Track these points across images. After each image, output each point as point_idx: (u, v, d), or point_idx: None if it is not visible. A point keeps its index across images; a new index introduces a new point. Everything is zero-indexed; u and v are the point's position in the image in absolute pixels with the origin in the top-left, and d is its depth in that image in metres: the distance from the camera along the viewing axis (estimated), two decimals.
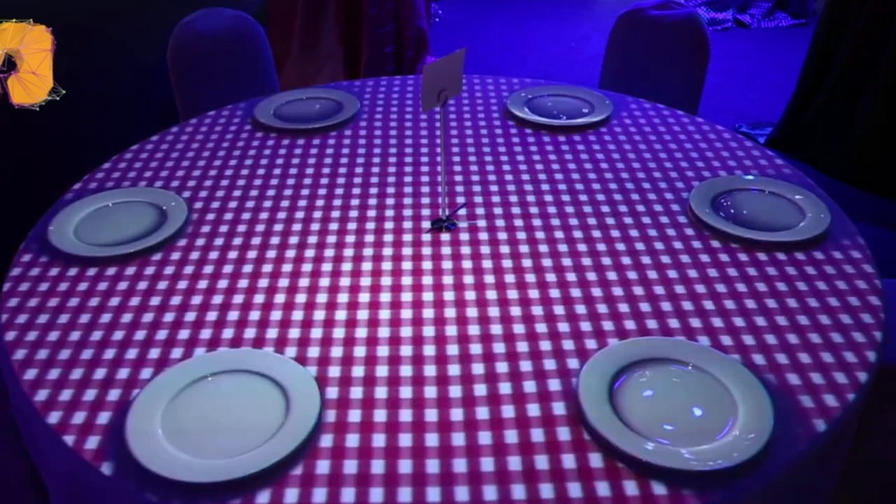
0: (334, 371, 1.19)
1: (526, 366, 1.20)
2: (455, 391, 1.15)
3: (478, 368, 1.20)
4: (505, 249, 1.46)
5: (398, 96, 2.08)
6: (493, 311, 1.31)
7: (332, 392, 1.15)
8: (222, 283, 1.38)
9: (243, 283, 1.38)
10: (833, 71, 3.44)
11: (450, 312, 1.31)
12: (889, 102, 3.23)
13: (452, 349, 1.23)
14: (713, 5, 5.31)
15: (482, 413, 1.12)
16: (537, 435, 1.08)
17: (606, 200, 1.61)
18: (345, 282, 1.38)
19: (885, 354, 1.23)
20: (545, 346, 1.24)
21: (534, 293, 1.35)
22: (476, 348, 1.23)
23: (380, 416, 1.11)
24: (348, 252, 1.46)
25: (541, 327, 1.27)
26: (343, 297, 1.35)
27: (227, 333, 1.27)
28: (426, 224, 1.54)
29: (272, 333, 1.27)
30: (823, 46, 3.48)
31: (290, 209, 1.59)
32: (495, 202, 1.61)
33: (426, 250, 1.47)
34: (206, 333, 1.27)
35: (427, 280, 1.39)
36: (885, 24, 3.21)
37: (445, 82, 1.42)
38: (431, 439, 1.08)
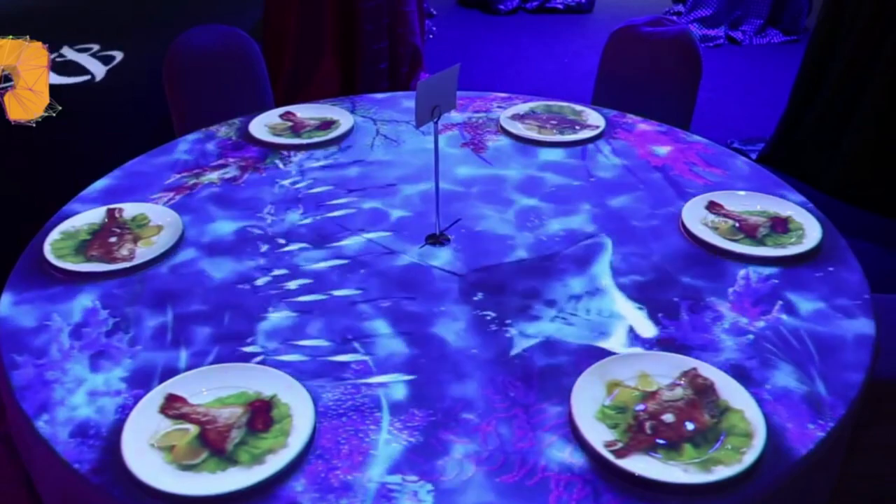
0: (332, 381, 1.19)
1: (526, 365, 1.21)
2: (454, 392, 1.16)
3: (477, 368, 1.21)
4: (500, 260, 1.47)
5: (392, 112, 2.09)
6: (493, 312, 1.32)
7: (328, 402, 1.16)
8: (218, 297, 1.39)
9: (240, 296, 1.39)
10: (824, 87, 3.47)
11: (450, 313, 1.32)
12: (880, 119, 3.25)
13: (452, 348, 1.24)
14: (705, 22, 5.34)
15: (481, 413, 1.13)
16: (534, 437, 1.09)
17: (600, 215, 1.62)
18: (342, 290, 1.39)
19: (876, 369, 1.24)
20: (545, 346, 1.25)
21: (534, 295, 1.36)
22: (475, 347, 1.24)
23: (378, 420, 1.12)
24: (344, 264, 1.47)
25: (542, 330, 1.28)
26: (339, 307, 1.35)
27: (223, 347, 1.27)
28: (420, 239, 1.55)
29: (269, 346, 1.27)
30: (815, 63, 3.51)
31: (285, 223, 1.60)
32: (489, 217, 1.62)
33: (422, 263, 1.47)
34: (202, 347, 1.27)
35: (424, 286, 1.39)
36: (875, 41, 3.23)
37: (439, 98, 1.44)
38: (431, 439, 1.09)
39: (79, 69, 4.33)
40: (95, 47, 4.48)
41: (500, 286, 1.42)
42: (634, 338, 1.29)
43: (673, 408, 1.14)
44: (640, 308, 1.35)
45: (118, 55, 4.31)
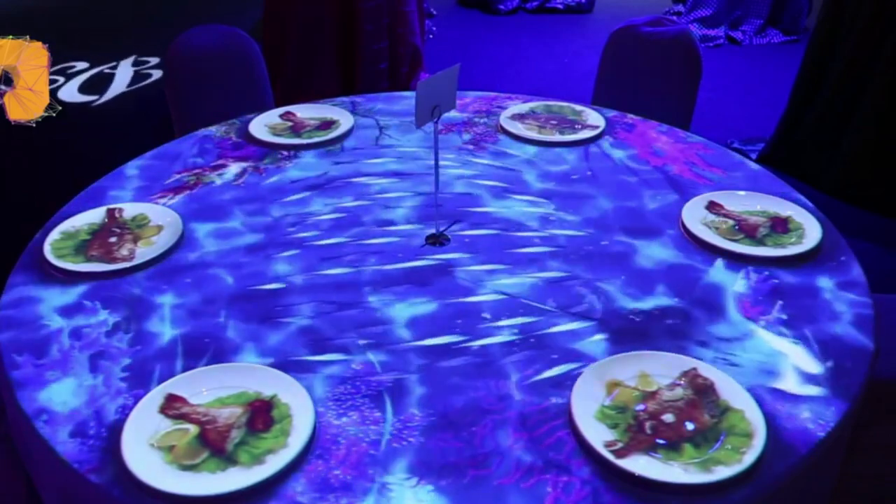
0: (331, 381, 1.20)
1: (525, 366, 1.21)
2: (455, 391, 1.17)
3: (478, 368, 1.21)
4: (500, 261, 1.47)
5: (392, 112, 2.09)
6: (489, 315, 1.32)
7: (328, 402, 1.16)
8: (219, 297, 1.39)
9: (241, 296, 1.39)
10: (825, 87, 3.47)
11: (448, 316, 1.32)
12: (880, 119, 3.25)
13: (451, 348, 1.24)
14: (705, 22, 5.35)
15: (480, 414, 1.13)
16: (531, 442, 1.09)
17: (600, 215, 1.62)
18: (341, 294, 1.39)
19: (876, 370, 1.24)
20: (542, 348, 1.25)
21: (532, 300, 1.36)
22: (475, 349, 1.25)
23: (378, 420, 1.12)
24: (343, 265, 1.47)
25: (538, 333, 1.28)
26: (339, 307, 1.35)
27: (224, 347, 1.27)
28: (421, 239, 1.55)
29: (269, 346, 1.27)
30: (815, 63, 3.51)
31: (286, 223, 1.60)
32: (489, 218, 1.62)
33: (421, 264, 1.47)
34: (202, 346, 1.27)
35: (423, 289, 1.39)
36: (875, 41, 3.23)
37: (439, 98, 1.44)
38: (431, 441, 1.09)
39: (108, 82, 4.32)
40: (154, 60, 4.49)
41: (637, 327, 1.32)
42: (803, 376, 1.21)
43: (673, 408, 1.14)
44: (796, 342, 1.28)
45: (156, 73, 4.32)
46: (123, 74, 4.31)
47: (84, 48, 4.60)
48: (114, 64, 4.41)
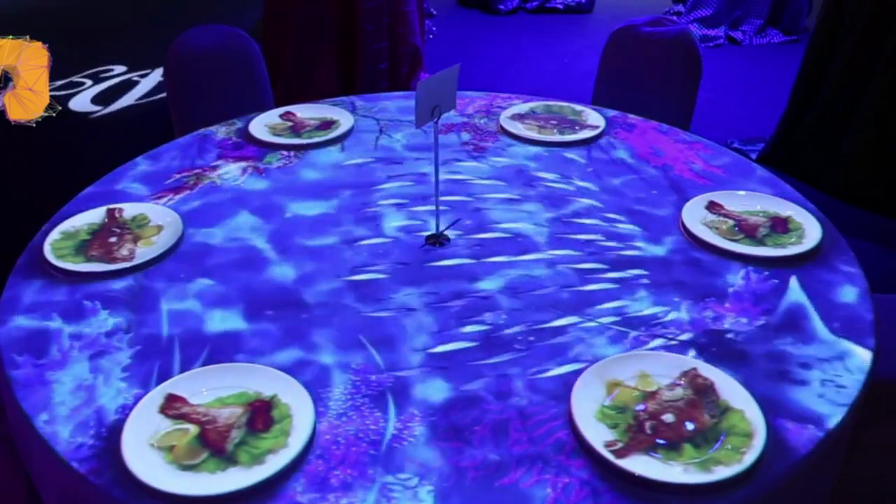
0: (332, 383, 1.20)
1: (526, 365, 1.21)
2: (455, 390, 1.17)
3: (478, 368, 1.21)
4: (501, 260, 1.47)
5: (392, 112, 2.09)
6: (489, 315, 1.32)
7: (328, 402, 1.16)
8: (219, 297, 1.39)
9: (240, 295, 1.39)
10: (825, 87, 3.47)
11: (448, 316, 1.32)
12: (880, 119, 3.25)
13: (452, 348, 1.25)
14: (705, 22, 5.35)
15: (481, 413, 1.13)
16: (531, 442, 1.09)
17: (600, 215, 1.62)
18: (340, 294, 1.39)
19: (876, 370, 1.24)
20: (542, 348, 1.25)
21: (533, 299, 1.36)
22: (475, 348, 1.25)
23: (378, 420, 1.12)
24: (343, 264, 1.47)
25: (537, 333, 1.28)
26: (339, 307, 1.35)
27: (224, 346, 1.27)
28: (420, 239, 1.55)
29: (269, 347, 1.27)
30: (815, 63, 3.51)
31: (286, 223, 1.60)
32: (489, 217, 1.62)
33: (421, 263, 1.47)
34: (202, 346, 1.27)
35: (423, 289, 1.39)
36: (875, 41, 3.23)
37: (439, 98, 1.44)
38: (431, 442, 1.09)
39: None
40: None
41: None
42: None
43: (673, 408, 1.14)
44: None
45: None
46: (147, 83, 4.29)
47: (123, 52, 4.59)
48: (147, 71, 4.39)
